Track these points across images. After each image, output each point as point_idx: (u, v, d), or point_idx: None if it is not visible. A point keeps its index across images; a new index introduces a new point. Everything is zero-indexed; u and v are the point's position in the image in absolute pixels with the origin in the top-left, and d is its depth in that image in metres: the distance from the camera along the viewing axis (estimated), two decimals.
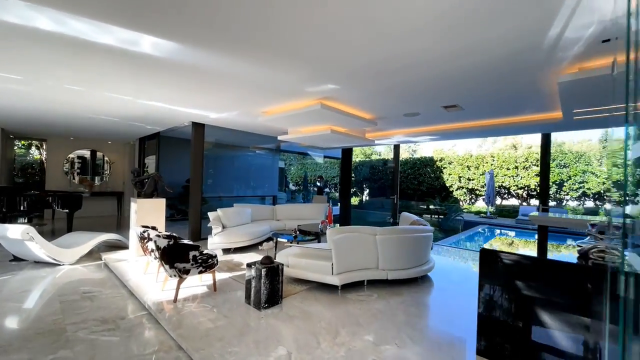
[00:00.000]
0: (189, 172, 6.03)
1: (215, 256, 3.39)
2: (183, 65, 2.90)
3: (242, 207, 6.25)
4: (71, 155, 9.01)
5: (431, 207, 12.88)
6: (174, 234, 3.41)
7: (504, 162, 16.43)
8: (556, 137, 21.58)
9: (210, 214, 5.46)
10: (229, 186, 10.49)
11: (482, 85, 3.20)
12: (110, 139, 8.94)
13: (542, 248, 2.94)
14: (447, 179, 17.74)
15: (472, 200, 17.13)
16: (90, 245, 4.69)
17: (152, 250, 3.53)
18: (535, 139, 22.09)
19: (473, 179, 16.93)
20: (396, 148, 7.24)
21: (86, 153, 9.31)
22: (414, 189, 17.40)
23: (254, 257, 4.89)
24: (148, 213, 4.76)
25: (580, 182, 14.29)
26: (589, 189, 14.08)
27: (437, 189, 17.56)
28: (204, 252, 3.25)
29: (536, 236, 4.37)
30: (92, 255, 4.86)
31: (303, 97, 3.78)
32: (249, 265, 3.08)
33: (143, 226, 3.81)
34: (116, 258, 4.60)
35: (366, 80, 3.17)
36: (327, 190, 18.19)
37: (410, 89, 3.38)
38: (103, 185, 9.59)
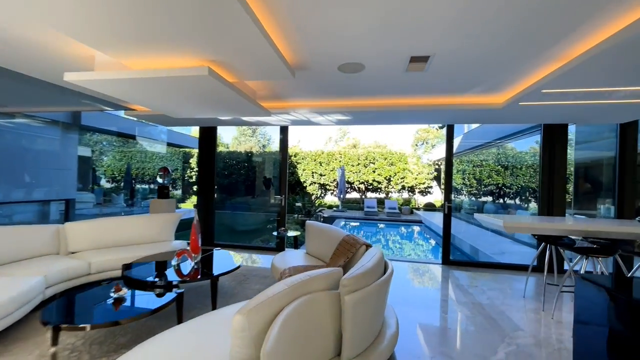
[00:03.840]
0: None
1: None
2: None
3: None
4: None
5: (297, 204, 11.81)
6: None
7: (349, 159, 17.80)
8: (380, 138, 26.22)
9: None
10: None
11: (495, 26, 1.87)
12: None
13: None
14: (302, 175, 17.64)
15: (322, 195, 17.82)
16: None
17: None
18: (369, 140, 25.99)
19: (324, 175, 17.55)
20: (284, 131, 5.33)
21: None
22: (266, 184, 16.26)
23: None
24: None
25: (401, 178, 17.36)
26: (407, 183, 17.36)
27: (292, 185, 17.04)
28: None
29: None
30: None
31: None
32: None
33: None
34: None
35: None
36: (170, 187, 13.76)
37: None
38: None
